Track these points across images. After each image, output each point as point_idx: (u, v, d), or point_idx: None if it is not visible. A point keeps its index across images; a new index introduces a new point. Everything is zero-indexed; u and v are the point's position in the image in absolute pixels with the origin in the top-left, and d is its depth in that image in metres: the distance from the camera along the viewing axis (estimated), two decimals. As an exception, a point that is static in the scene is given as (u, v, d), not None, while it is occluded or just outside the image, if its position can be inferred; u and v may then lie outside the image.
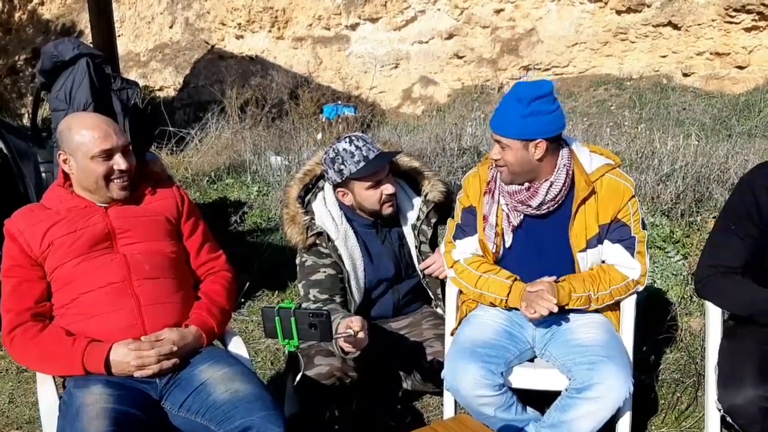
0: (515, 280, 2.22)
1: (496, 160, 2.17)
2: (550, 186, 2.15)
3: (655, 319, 3.17)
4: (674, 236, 3.93)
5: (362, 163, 2.33)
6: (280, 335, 1.84)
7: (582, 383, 2.05)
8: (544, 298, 2.09)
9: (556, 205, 2.19)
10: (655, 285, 3.51)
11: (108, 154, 2.01)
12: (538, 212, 2.19)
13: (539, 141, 2.09)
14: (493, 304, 2.26)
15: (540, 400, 2.31)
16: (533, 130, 2.08)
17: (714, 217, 4.00)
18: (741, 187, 2.11)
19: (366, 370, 2.38)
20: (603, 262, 2.23)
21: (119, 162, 2.02)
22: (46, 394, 1.96)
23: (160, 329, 1.98)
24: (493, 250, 2.26)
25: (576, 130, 6.34)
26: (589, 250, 2.18)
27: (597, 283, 2.17)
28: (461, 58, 10.14)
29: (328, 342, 1.88)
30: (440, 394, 2.45)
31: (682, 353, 2.95)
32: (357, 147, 2.35)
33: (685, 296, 3.36)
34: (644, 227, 2.23)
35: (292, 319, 1.82)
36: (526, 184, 2.17)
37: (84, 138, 2.00)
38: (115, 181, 2.04)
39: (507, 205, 2.23)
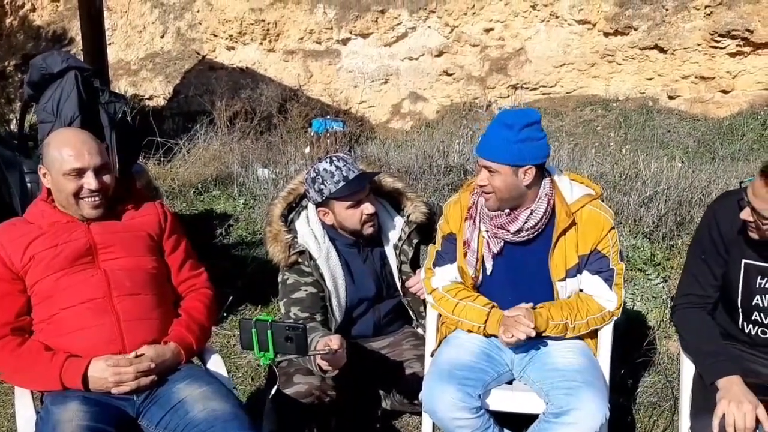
0: (492, 307, 2.24)
1: (482, 186, 2.17)
2: (530, 214, 2.17)
3: (634, 341, 3.20)
4: (655, 259, 3.98)
5: (342, 183, 2.36)
6: (256, 347, 1.84)
7: (559, 408, 2.06)
8: (521, 322, 2.11)
9: (536, 233, 2.21)
10: (635, 307, 3.55)
11: (78, 173, 2.02)
12: (516, 239, 2.21)
13: (529, 167, 2.11)
14: (471, 331, 2.28)
15: (518, 423, 2.32)
16: (524, 155, 2.10)
17: (694, 241, 4.06)
18: (707, 217, 2.15)
19: (345, 389, 2.38)
20: (581, 291, 2.26)
21: (89, 181, 2.03)
22: (24, 409, 1.96)
23: (139, 345, 1.99)
24: (473, 276, 2.28)
25: (562, 149, 6.41)
26: (568, 279, 2.21)
27: (575, 312, 2.20)
28: (450, 75, 10.23)
29: (303, 355, 1.88)
30: (420, 414, 2.46)
31: (660, 376, 2.98)
32: (337, 167, 2.37)
33: (665, 319, 3.40)
34: (621, 259, 2.26)
35: (269, 331, 1.82)
36: (507, 210, 2.20)
37: (58, 155, 2.02)
38: (85, 199, 2.05)
39: (487, 231, 2.25)
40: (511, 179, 2.12)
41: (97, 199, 2.06)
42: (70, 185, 2.02)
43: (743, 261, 2.04)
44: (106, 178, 2.08)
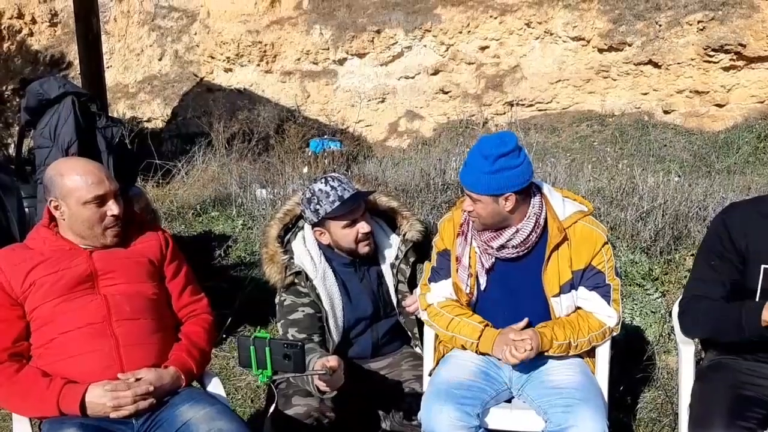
0: (486, 325, 2.25)
1: (469, 211, 2.21)
2: (516, 232, 2.19)
3: (633, 356, 3.20)
4: (653, 273, 3.98)
5: (337, 203, 2.37)
6: (254, 365, 1.84)
7: (558, 426, 2.06)
8: (524, 347, 2.11)
9: (526, 250, 2.22)
10: (634, 322, 3.55)
11: (101, 200, 2.02)
12: (502, 255, 2.22)
13: (508, 194, 2.13)
14: (464, 348, 2.28)
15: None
16: (501, 185, 2.11)
17: (692, 255, 4.06)
18: (716, 225, 2.18)
19: (344, 410, 2.37)
20: (578, 308, 2.26)
21: (112, 207, 2.04)
22: (22, 436, 1.95)
23: (138, 370, 1.99)
24: (467, 292, 2.29)
25: (559, 165, 6.43)
26: (563, 295, 2.21)
27: (576, 330, 2.20)
28: (447, 93, 10.30)
29: (301, 373, 1.88)
30: (419, 434, 2.45)
31: (660, 392, 2.98)
32: (332, 187, 2.39)
33: (663, 334, 3.40)
34: (617, 274, 2.27)
35: (267, 348, 1.82)
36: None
37: (77, 183, 2.01)
38: (109, 228, 2.06)
39: (479, 247, 2.26)
40: (492, 207, 2.15)
41: (118, 226, 2.07)
42: (93, 214, 2.02)
43: (763, 266, 2.05)
44: (121, 203, 2.09)
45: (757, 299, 2.08)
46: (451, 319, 2.28)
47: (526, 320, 2.21)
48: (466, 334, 2.25)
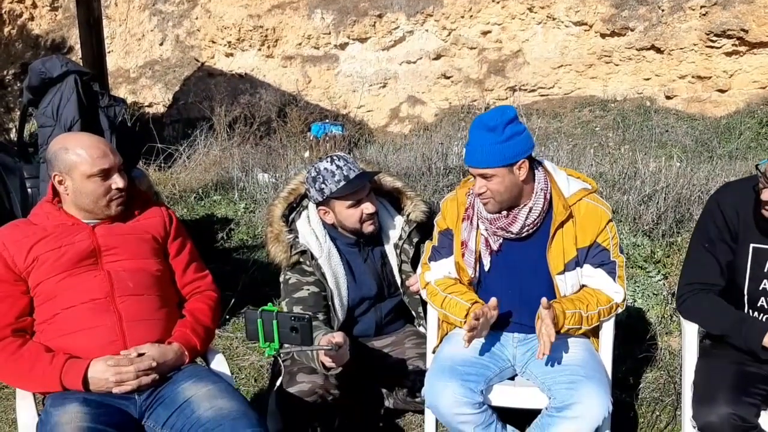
0: (475, 302, 2.22)
1: (481, 194, 2.18)
2: (530, 211, 2.18)
3: (636, 337, 3.21)
4: (655, 256, 3.98)
5: (342, 183, 2.37)
6: (261, 338, 1.86)
7: (562, 402, 2.07)
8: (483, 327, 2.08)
9: (534, 228, 2.22)
10: (636, 304, 3.56)
11: (106, 174, 2.03)
12: (509, 235, 2.22)
13: (522, 161, 2.13)
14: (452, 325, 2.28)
15: (520, 418, 2.33)
16: (514, 152, 2.11)
17: (694, 238, 4.07)
18: (710, 206, 2.18)
19: (348, 388, 2.39)
20: (583, 286, 2.25)
21: (117, 181, 2.05)
22: (25, 412, 1.95)
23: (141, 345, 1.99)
24: (472, 274, 2.29)
25: (561, 150, 6.42)
26: (567, 272, 2.20)
27: (585, 303, 2.19)
28: (448, 78, 10.24)
29: (308, 346, 1.89)
30: (422, 412, 2.47)
31: (662, 372, 2.99)
32: (338, 166, 2.38)
33: (665, 315, 3.41)
34: (621, 252, 2.27)
35: (274, 321, 1.84)
36: (504, 212, 2.20)
37: (81, 157, 2.01)
38: (114, 199, 2.07)
39: (486, 230, 2.26)
40: (509, 178, 2.14)
41: (122, 197, 2.08)
42: (98, 187, 2.03)
43: (751, 245, 2.05)
44: (125, 176, 2.10)
45: (747, 280, 2.08)
46: (444, 298, 2.28)
47: (495, 300, 2.13)
48: (455, 313, 2.24)
